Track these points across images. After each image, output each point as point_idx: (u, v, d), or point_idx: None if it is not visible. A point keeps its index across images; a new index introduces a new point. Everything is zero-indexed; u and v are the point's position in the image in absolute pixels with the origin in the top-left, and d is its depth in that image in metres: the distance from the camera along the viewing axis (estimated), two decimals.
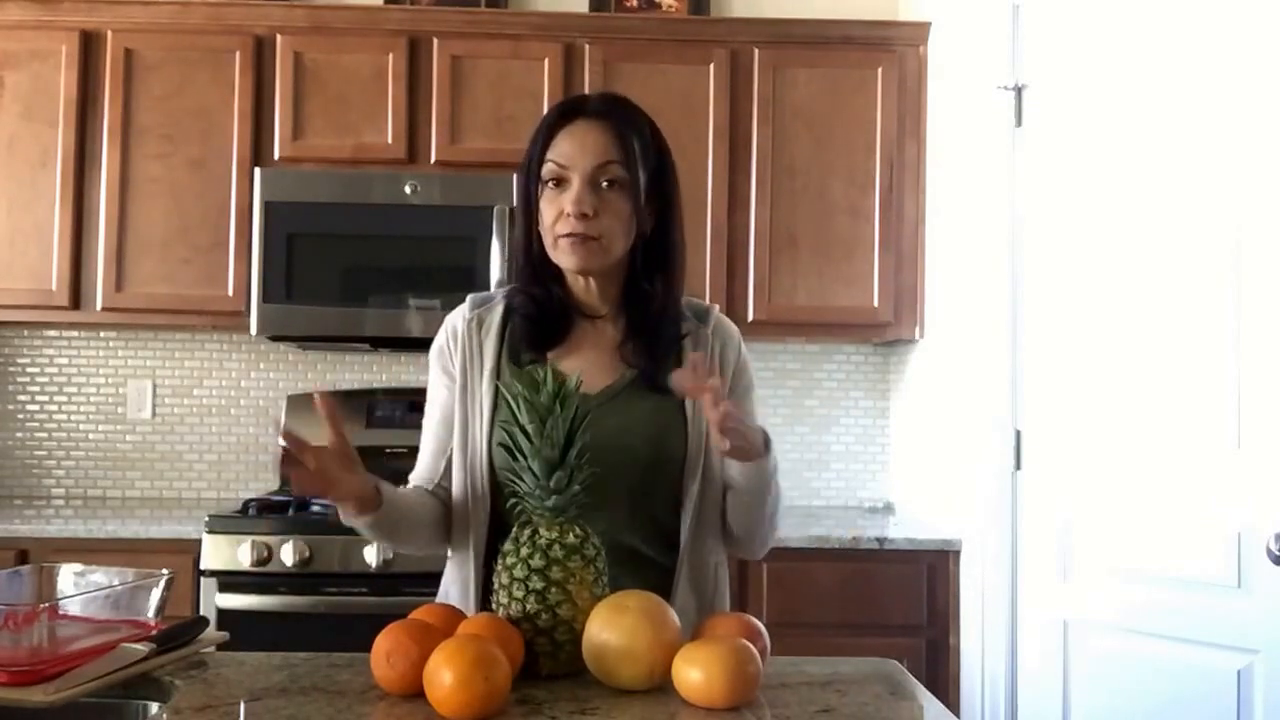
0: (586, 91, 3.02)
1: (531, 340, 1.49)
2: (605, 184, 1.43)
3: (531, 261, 1.49)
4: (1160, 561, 2.31)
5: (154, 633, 1.31)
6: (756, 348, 3.40)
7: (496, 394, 1.46)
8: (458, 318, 1.55)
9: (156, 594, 1.36)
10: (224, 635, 1.40)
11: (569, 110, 1.47)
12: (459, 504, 1.50)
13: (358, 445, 1.40)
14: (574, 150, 1.43)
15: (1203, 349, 2.24)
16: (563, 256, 1.45)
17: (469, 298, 1.57)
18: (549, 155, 1.44)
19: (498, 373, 1.48)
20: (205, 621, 1.40)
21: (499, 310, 1.53)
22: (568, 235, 1.42)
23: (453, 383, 1.52)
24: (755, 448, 1.37)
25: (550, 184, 1.44)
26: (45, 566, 1.42)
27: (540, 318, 1.50)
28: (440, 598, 1.53)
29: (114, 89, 3.00)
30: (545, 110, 3.07)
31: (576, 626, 1.20)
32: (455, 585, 1.51)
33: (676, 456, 1.46)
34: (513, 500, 1.32)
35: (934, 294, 3.02)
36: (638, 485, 1.45)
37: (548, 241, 1.45)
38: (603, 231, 1.42)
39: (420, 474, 1.56)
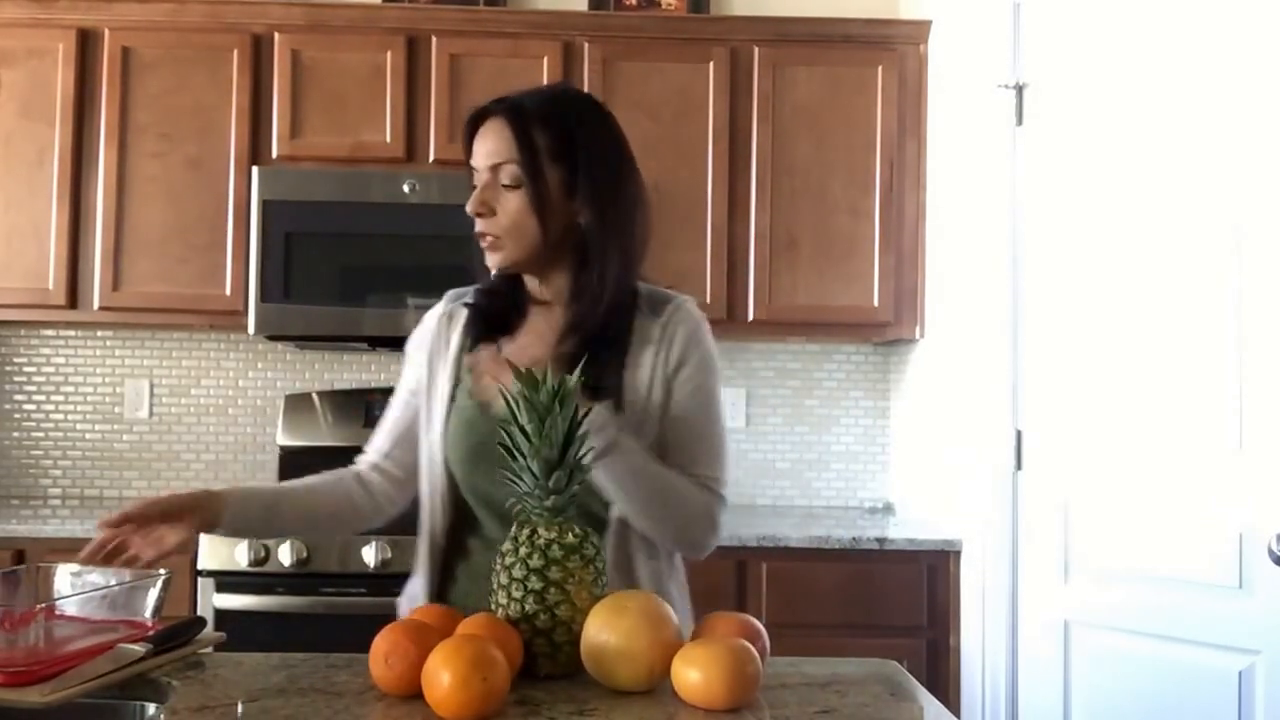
0: (585, 89, 3.03)
1: (477, 331, 1.53)
2: (504, 183, 1.44)
3: (481, 255, 1.52)
4: (1161, 562, 2.30)
5: (151, 633, 1.30)
6: (756, 347, 3.39)
7: (454, 385, 1.51)
8: (434, 311, 1.60)
9: (154, 594, 1.35)
10: (221, 636, 1.39)
11: (480, 113, 1.49)
12: (423, 494, 1.53)
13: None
14: (477, 151, 1.47)
15: (1204, 349, 2.24)
16: (485, 255, 1.49)
17: (448, 293, 1.62)
18: (470, 159, 1.49)
19: (459, 364, 1.52)
20: (203, 622, 1.39)
21: (468, 302, 1.58)
22: (476, 235, 1.47)
23: (419, 371, 1.57)
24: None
25: (472, 186, 1.48)
26: (42, 566, 1.41)
27: (488, 306, 1.54)
28: (406, 587, 1.56)
29: (111, 87, 2.99)
30: None
31: (575, 627, 1.19)
32: (419, 573, 1.54)
33: None
34: (471, 493, 1.41)
35: (934, 294, 3.02)
36: None
37: None
38: (500, 230, 1.45)
39: (373, 446, 1.61)
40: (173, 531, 1.38)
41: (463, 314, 1.56)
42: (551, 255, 1.48)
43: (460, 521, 1.51)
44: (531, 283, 1.53)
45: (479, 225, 1.46)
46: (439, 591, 1.51)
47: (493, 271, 1.51)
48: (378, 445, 1.61)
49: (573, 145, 1.46)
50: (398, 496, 1.60)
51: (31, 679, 1.16)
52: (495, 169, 1.44)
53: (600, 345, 1.45)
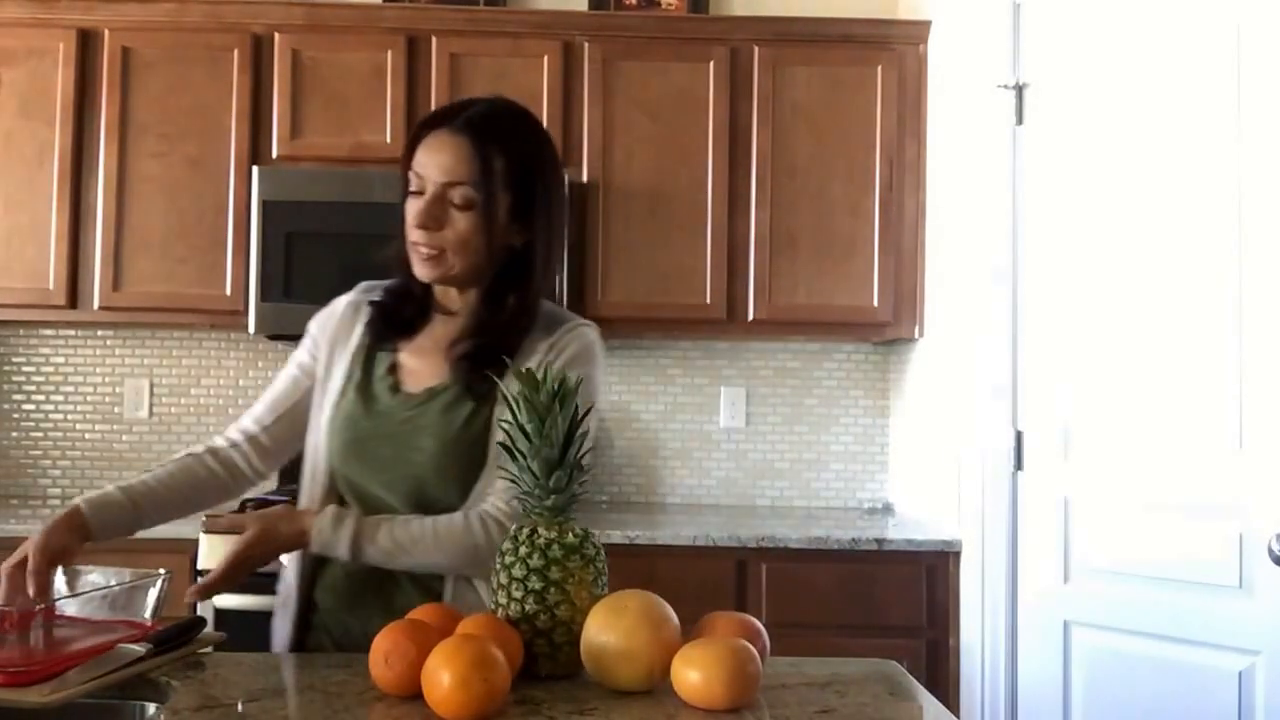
0: (585, 88, 3.03)
1: (378, 329, 1.54)
2: (455, 202, 1.43)
3: (403, 256, 1.50)
4: (1161, 562, 2.30)
5: (151, 633, 1.30)
6: (756, 347, 3.40)
7: (349, 378, 1.53)
8: (344, 299, 1.61)
9: (153, 594, 1.35)
10: (221, 636, 1.39)
11: (436, 119, 1.47)
12: (304, 479, 1.55)
13: None
14: (429, 163, 1.44)
15: (1204, 349, 2.24)
16: (413, 263, 1.47)
17: (361, 283, 1.62)
18: (412, 163, 1.46)
19: (357, 357, 1.54)
20: (203, 621, 1.39)
21: (375, 299, 1.58)
22: (414, 244, 1.45)
23: (319, 353, 1.59)
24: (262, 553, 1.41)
25: (411, 191, 1.46)
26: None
27: (392, 308, 1.54)
28: (282, 572, 1.58)
29: (111, 87, 3.00)
30: (545, 110, 3.08)
31: (575, 627, 1.19)
32: (292, 559, 1.55)
33: (473, 465, 1.46)
34: (345, 486, 1.48)
35: (934, 294, 3.02)
36: (431, 489, 1.46)
37: (407, 242, 1.48)
38: (444, 245, 1.44)
39: (252, 414, 1.62)
40: (64, 557, 1.40)
41: (367, 308, 1.57)
42: (479, 272, 1.49)
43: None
44: (445, 293, 1.53)
45: (421, 236, 1.44)
46: (310, 580, 1.53)
47: (423, 279, 1.49)
48: (257, 415, 1.61)
49: (529, 174, 1.47)
50: (265, 467, 1.61)
51: (31, 679, 1.16)
52: (449, 185, 1.43)
53: (487, 355, 1.46)
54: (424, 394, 1.49)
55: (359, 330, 1.56)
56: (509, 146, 1.46)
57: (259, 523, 1.40)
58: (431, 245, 1.44)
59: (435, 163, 1.44)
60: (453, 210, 1.44)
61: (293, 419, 1.59)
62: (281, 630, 1.56)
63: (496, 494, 1.43)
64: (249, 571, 1.40)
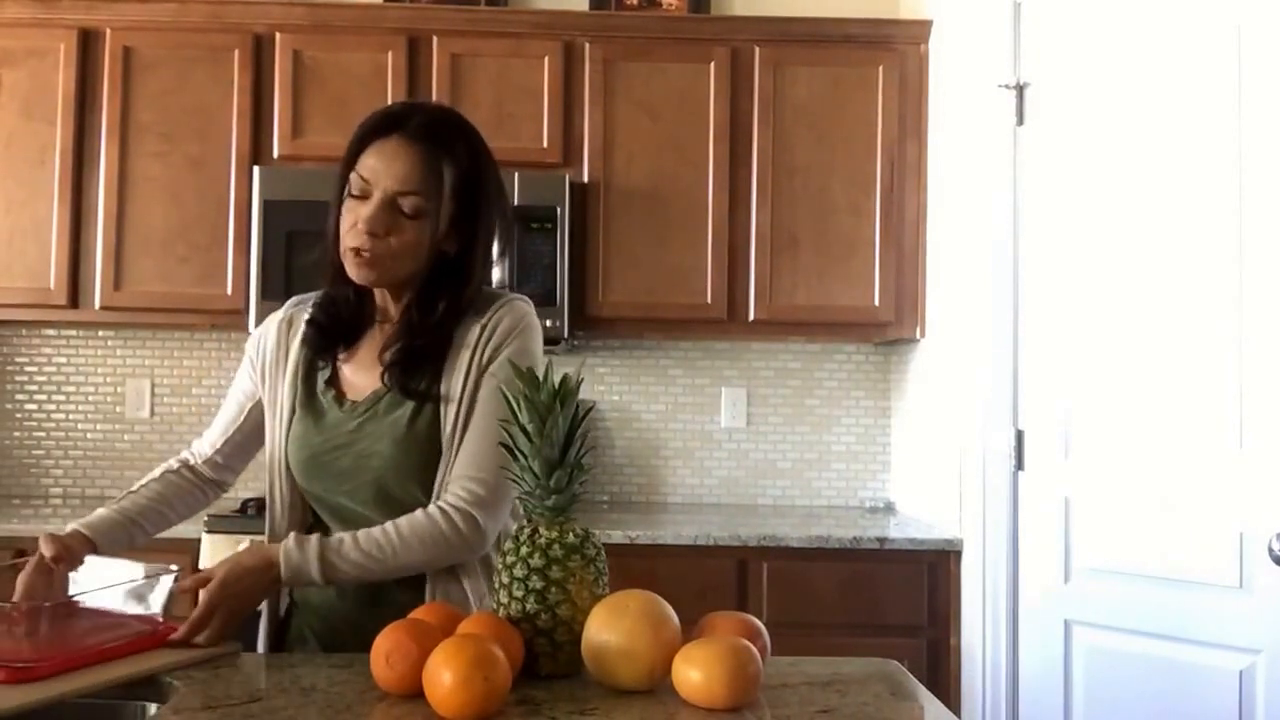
0: (586, 89, 3.04)
1: (315, 344, 1.53)
2: (404, 210, 1.42)
3: (334, 261, 1.49)
4: (1162, 561, 2.30)
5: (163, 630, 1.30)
6: (757, 347, 3.40)
7: (295, 397, 1.53)
8: (275, 317, 1.61)
9: (166, 588, 1.35)
10: (237, 645, 1.38)
11: (387, 124, 1.45)
12: (267, 496, 1.56)
13: None
14: (380, 168, 1.42)
15: (1205, 349, 2.24)
16: (348, 266, 1.45)
17: (291, 299, 1.62)
18: (357, 166, 1.44)
19: (297, 375, 1.53)
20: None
21: (307, 314, 1.56)
22: (354, 249, 1.43)
23: (258, 378, 1.59)
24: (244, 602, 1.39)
25: (353, 194, 1.44)
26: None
27: (328, 322, 1.53)
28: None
29: (112, 87, 3.00)
30: (545, 110, 3.08)
31: (576, 627, 1.19)
32: None
33: (430, 460, 1.46)
34: (313, 500, 1.50)
35: (935, 294, 3.02)
36: (391, 493, 1.47)
37: (341, 245, 1.46)
38: (389, 253, 1.43)
39: (207, 439, 1.65)
40: (73, 556, 1.42)
41: (302, 323, 1.56)
42: (415, 276, 1.49)
43: (303, 524, 1.54)
44: (383, 298, 1.52)
45: (365, 243, 1.41)
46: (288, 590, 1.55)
47: (359, 282, 1.47)
48: (213, 440, 1.64)
49: (472, 186, 1.47)
50: (229, 478, 1.68)
51: (34, 676, 1.16)
52: (401, 194, 1.42)
53: (418, 355, 1.46)
54: (367, 400, 1.49)
55: (295, 349, 1.55)
56: (457, 157, 1.45)
57: (223, 567, 1.38)
58: (374, 251, 1.42)
59: (390, 170, 1.42)
60: (401, 218, 1.42)
61: (241, 440, 1.64)
62: (260, 632, 1.57)
63: (454, 482, 1.44)
64: (226, 619, 1.36)
